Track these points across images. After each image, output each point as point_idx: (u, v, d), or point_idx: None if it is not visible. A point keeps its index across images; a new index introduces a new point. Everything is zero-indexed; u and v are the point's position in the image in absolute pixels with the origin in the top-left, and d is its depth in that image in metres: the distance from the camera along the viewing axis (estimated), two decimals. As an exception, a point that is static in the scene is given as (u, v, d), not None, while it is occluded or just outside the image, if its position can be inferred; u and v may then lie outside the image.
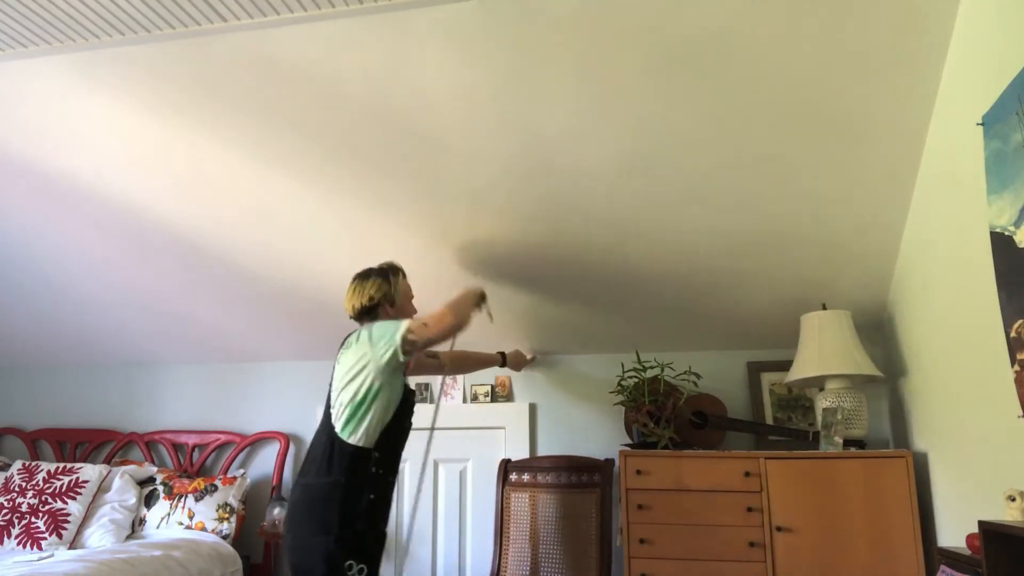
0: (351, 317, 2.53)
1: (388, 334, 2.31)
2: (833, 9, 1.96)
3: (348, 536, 2.20)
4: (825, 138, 2.28)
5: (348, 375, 2.32)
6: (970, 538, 1.77)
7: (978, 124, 1.83)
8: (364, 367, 2.31)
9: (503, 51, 2.15)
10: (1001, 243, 1.74)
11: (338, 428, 2.28)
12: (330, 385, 2.42)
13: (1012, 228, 1.67)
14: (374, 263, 2.96)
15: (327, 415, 2.36)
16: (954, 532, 2.29)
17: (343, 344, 2.47)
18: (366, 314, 2.48)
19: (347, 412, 2.29)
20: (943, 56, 2.03)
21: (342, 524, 2.20)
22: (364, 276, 2.54)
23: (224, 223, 2.90)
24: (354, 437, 2.27)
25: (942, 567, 1.87)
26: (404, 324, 2.31)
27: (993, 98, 1.75)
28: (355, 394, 2.30)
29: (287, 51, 2.22)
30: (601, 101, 2.25)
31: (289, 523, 2.30)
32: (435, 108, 2.33)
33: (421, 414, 2.61)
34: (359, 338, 2.37)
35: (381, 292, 2.48)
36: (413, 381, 3.44)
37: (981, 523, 1.56)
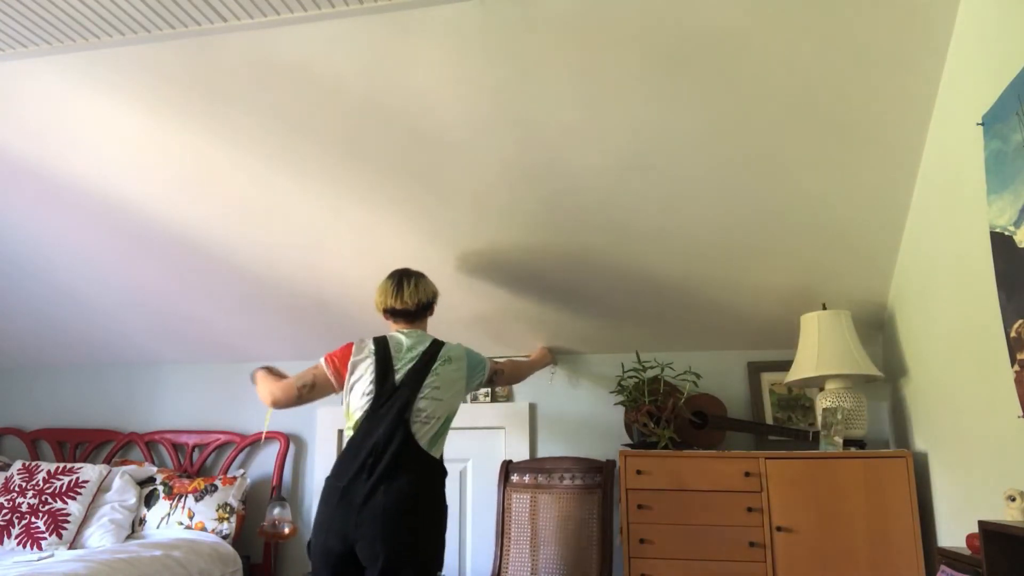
0: (407, 311, 2.53)
1: (482, 367, 2.59)
2: (833, 9, 1.96)
3: (442, 548, 2.33)
4: (825, 138, 2.28)
5: (448, 390, 2.42)
6: (970, 538, 1.77)
7: (978, 124, 1.83)
8: (461, 389, 2.49)
9: (503, 51, 2.15)
10: (1001, 243, 1.74)
11: (424, 440, 2.33)
12: (396, 385, 2.38)
13: (1012, 228, 1.67)
14: (375, 263, 2.97)
15: (403, 419, 2.32)
16: (954, 532, 2.29)
17: (417, 350, 2.45)
18: (426, 309, 2.59)
19: (439, 427, 2.37)
20: (943, 56, 2.03)
21: (440, 536, 2.32)
22: (418, 275, 2.60)
23: (224, 223, 2.90)
24: (436, 451, 2.37)
25: (942, 567, 1.87)
26: (489, 363, 2.63)
27: (993, 98, 1.75)
28: (450, 411, 2.43)
29: (287, 51, 2.22)
30: (601, 100, 2.25)
31: (384, 524, 2.20)
32: (435, 108, 2.33)
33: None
34: (453, 356, 2.48)
35: (436, 291, 2.63)
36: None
37: (981, 523, 1.56)
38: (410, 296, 2.52)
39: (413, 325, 2.55)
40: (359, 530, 2.20)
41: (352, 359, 2.47)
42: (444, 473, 2.38)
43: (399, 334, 2.52)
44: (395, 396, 2.35)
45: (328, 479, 2.34)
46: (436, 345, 2.48)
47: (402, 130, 2.42)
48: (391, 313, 2.55)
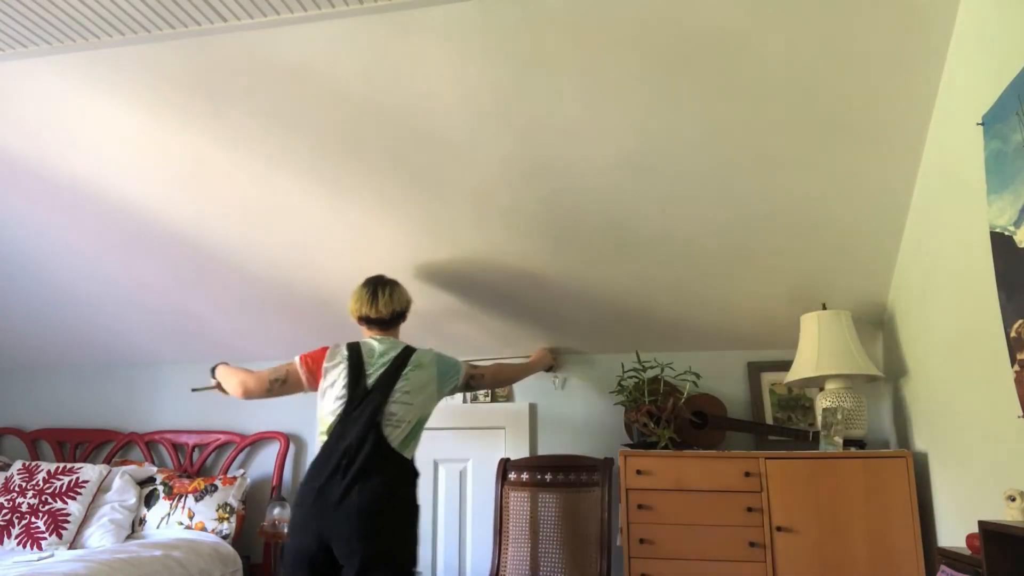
0: (381, 319, 2.59)
1: (454, 372, 2.61)
2: (834, 10, 1.96)
3: (416, 546, 2.36)
4: (825, 138, 2.28)
5: (419, 395, 2.46)
6: (970, 538, 1.77)
7: (978, 124, 1.83)
8: (432, 393, 2.52)
9: (503, 50, 2.15)
10: (1001, 243, 1.74)
11: (397, 442, 2.37)
12: (368, 390, 2.42)
13: (1012, 228, 1.67)
14: (374, 263, 2.97)
15: (375, 422, 2.36)
16: (954, 532, 2.29)
17: (388, 356, 2.50)
18: (399, 317, 2.63)
19: (409, 430, 2.40)
20: (943, 56, 2.03)
21: (415, 537, 2.36)
22: (392, 283, 2.65)
23: (224, 223, 2.90)
24: (408, 453, 2.40)
25: (942, 567, 1.87)
26: (464, 367, 2.65)
27: (993, 98, 1.75)
28: (421, 415, 2.46)
29: (287, 51, 2.23)
30: (602, 100, 2.25)
31: (359, 523, 2.23)
32: (435, 108, 2.34)
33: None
34: (424, 362, 2.52)
35: (409, 300, 2.67)
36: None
37: (981, 523, 1.56)
38: (384, 305, 2.58)
39: (386, 332, 2.62)
40: (335, 528, 2.25)
41: (325, 364, 2.54)
42: (416, 474, 2.42)
43: (372, 340, 2.58)
44: (367, 400, 2.41)
45: (302, 484, 2.38)
46: (407, 351, 2.53)
47: (402, 130, 2.42)
48: (365, 320, 2.62)
